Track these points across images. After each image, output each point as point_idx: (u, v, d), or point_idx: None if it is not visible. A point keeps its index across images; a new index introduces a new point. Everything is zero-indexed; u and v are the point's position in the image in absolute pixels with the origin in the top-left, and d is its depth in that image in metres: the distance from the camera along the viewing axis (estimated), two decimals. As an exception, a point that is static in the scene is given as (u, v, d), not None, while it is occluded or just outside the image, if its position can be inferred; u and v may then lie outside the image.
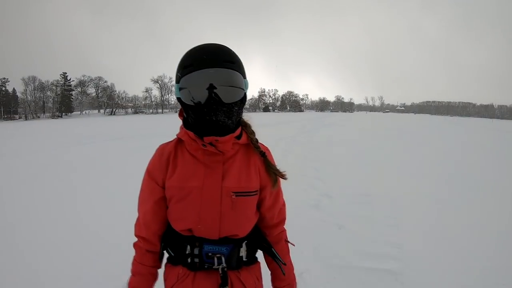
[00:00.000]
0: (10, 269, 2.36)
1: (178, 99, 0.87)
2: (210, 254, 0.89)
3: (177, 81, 0.86)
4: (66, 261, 2.44)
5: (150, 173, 0.93)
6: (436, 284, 2.20)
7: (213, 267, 0.90)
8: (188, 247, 0.90)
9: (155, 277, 0.98)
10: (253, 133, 0.95)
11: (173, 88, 0.90)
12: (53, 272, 2.30)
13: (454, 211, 3.74)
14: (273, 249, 1.02)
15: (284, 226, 1.05)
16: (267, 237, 1.01)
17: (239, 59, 0.87)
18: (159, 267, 0.99)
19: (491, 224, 3.34)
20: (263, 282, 1.03)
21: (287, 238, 1.05)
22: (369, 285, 2.18)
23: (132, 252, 0.97)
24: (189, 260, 0.90)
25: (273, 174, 0.93)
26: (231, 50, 0.86)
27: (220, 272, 0.90)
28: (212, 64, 0.81)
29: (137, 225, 0.97)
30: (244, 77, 0.88)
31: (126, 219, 3.39)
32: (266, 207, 0.98)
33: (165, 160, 0.91)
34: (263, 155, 0.93)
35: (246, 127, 0.94)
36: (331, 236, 2.97)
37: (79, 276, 2.24)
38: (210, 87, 0.80)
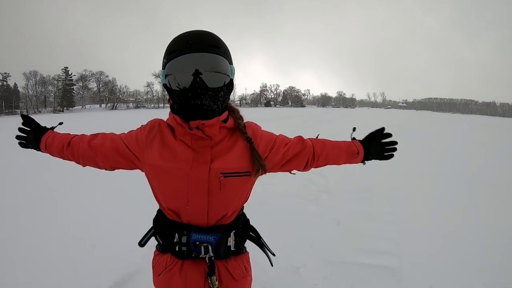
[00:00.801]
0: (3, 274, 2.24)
1: (164, 85, 0.86)
2: (197, 243, 0.89)
3: (163, 67, 0.86)
4: (64, 260, 2.40)
5: (135, 135, 0.94)
6: (433, 281, 2.19)
7: (200, 256, 0.90)
8: (176, 235, 0.90)
9: (62, 147, 1.03)
10: (241, 118, 0.94)
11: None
12: (50, 270, 2.28)
13: (453, 209, 3.72)
14: (261, 239, 1.02)
15: (302, 138, 1.05)
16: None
17: (226, 46, 0.86)
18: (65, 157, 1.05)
19: (490, 223, 3.32)
20: (253, 274, 1.02)
21: (312, 139, 1.08)
22: (366, 281, 2.17)
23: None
24: (177, 248, 0.91)
25: (257, 162, 0.91)
26: (217, 36, 0.86)
27: (207, 261, 0.90)
28: (197, 49, 0.80)
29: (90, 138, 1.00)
30: (230, 63, 0.87)
31: (121, 215, 3.38)
32: (288, 161, 0.99)
33: (152, 137, 0.91)
34: (250, 142, 0.91)
35: (234, 112, 0.94)
36: (329, 231, 2.95)
37: (77, 274, 2.23)
38: (195, 73, 0.79)
